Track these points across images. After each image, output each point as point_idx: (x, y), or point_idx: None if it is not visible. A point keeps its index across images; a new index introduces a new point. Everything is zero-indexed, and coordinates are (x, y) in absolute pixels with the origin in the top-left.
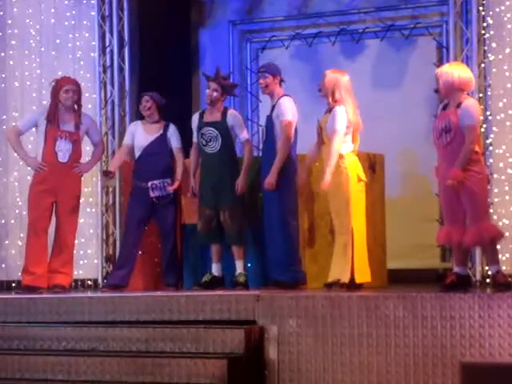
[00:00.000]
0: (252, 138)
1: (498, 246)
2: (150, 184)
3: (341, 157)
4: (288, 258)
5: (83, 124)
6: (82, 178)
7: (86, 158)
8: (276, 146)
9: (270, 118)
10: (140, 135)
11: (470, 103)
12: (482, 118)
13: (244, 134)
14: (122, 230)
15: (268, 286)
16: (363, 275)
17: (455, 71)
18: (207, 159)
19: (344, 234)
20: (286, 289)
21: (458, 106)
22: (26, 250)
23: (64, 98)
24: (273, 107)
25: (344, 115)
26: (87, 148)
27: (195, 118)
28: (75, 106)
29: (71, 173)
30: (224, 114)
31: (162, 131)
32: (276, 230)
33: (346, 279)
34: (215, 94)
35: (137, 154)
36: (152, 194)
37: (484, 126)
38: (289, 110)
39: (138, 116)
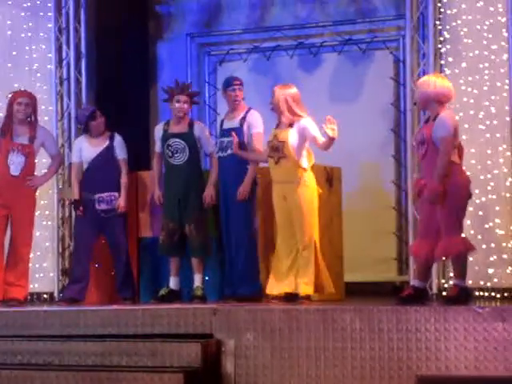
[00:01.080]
0: None
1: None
2: (96, 197)
3: (304, 170)
4: (252, 270)
5: (38, 137)
6: (38, 191)
7: (43, 170)
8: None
9: (240, 130)
10: (86, 149)
11: (445, 115)
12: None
13: (210, 147)
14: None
15: (231, 300)
16: (330, 286)
17: (431, 83)
18: (173, 171)
19: (308, 247)
20: (249, 301)
21: (435, 118)
22: None
23: (16, 110)
24: (242, 119)
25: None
26: (43, 160)
27: (159, 128)
28: (30, 119)
29: (25, 186)
30: (191, 125)
31: (107, 142)
32: (241, 242)
33: (310, 291)
34: (186, 106)
35: (85, 166)
36: (98, 207)
37: None
38: (260, 122)
39: (84, 130)
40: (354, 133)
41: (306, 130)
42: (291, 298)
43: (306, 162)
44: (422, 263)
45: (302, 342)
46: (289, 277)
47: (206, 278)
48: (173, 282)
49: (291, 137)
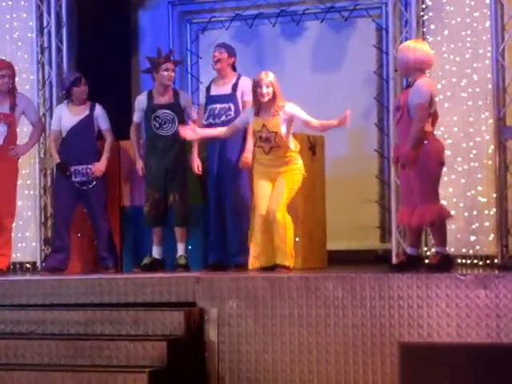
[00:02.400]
0: None
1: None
2: (73, 169)
3: (295, 153)
4: (245, 240)
5: (18, 105)
6: (20, 160)
7: (24, 139)
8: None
9: (232, 96)
10: (66, 117)
11: (422, 82)
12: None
13: (194, 114)
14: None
15: (227, 268)
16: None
17: (411, 49)
18: (159, 141)
19: (283, 221)
20: (238, 270)
21: (410, 85)
22: None
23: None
24: (234, 85)
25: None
26: (24, 129)
27: (142, 99)
28: (9, 88)
29: (8, 155)
30: (176, 95)
31: (88, 112)
32: (237, 209)
33: (289, 263)
34: (173, 73)
35: (63, 135)
36: (75, 179)
37: None
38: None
39: (65, 97)
40: (337, 101)
41: (295, 116)
42: (270, 268)
43: (293, 144)
44: (410, 230)
45: (285, 309)
46: (265, 251)
47: (189, 247)
48: (156, 251)
49: (281, 126)
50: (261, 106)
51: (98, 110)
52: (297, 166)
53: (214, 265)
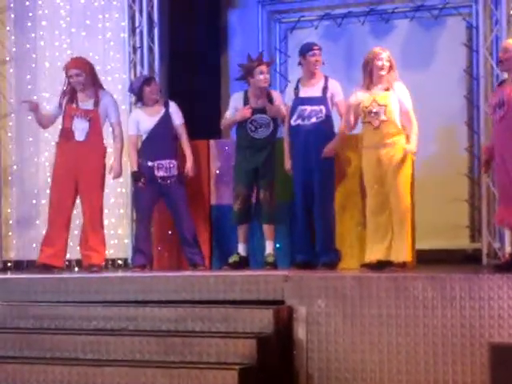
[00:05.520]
0: None
1: None
2: (156, 164)
3: (403, 134)
4: (332, 237)
5: (102, 102)
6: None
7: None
8: (329, 123)
9: (323, 99)
10: (144, 120)
11: None
12: None
13: (285, 112)
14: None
15: (317, 268)
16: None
17: None
18: (253, 144)
19: (404, 211)
20: (331, 269)
21: None
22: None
23: (71, 82)
24: (324, 88)
25: None
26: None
27: (239, 99)
28: (89, 85)
29: (92, 151)
30: (269, 96)
31: (163, 111)
32: (324, 209)
33: (408, 258)
34: (268, 76)
35: (144, 137)
36: (157, 174)
37: None
38: (340, 89)
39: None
40: (427, 100)
41: (400, 100)
42: (383, 265)
43: (401, 126)
44: None
45: (374, 309)
46: (382, 243)
47: (278, 246)
48: (242, 249)
49: (392, 101)
50: (372, 80)
51: (173, 107)
52: (403, 146)
53: (301, 263)
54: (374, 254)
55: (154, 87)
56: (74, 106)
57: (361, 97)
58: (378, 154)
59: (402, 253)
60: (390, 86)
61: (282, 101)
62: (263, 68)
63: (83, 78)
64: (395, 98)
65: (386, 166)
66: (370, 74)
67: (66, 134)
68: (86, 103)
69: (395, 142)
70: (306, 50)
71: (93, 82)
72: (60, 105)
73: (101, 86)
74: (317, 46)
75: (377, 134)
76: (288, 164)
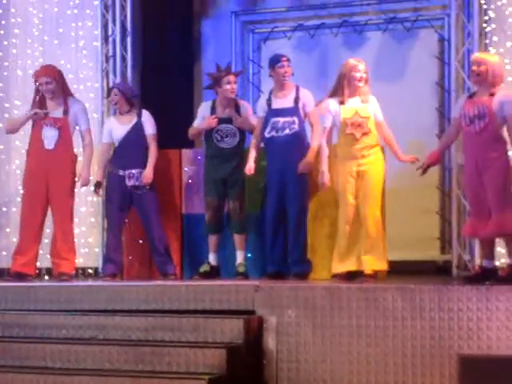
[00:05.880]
0: None
1: None
2: (126, 172)
3: (380, 146)
4: (305, 248)
5: (71, 109)
6: (77, 164)
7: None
8: (303, 134)
9: (295, 109)
10: (116, 128)
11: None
12: None
13: (254, 123)
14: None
15: (289, 278)
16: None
17: (502, 62)
18: (220, 153)
19: (377, 222)
20: (302, 279)
21: (492, 94)
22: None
23: (40, 90)
24: (296, 98)
25: None
26: None
27: (206, 108)
28: (59, 92)
29: (62, 159)
30: (237, 107)
31: (136, 119)
32: (297, 220)
33: (383, 267)
34: (236, 85)
35: (115, 145)
36: (128, 183)
37: None
38: (312, 99)
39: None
40: (399, 112)
41: (376, 112)
42: (354, 275)
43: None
44: (484, 241)
45: (344, 319)
46: (352, 254)
47: (249, 255)
48: (212, 258)
49: (372, 113)
50: (351, 93)
51: (145, 116)
52: (380, 158)
53: (273, 274)
54: (344, 265)
55: (113, 97)
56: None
57: (336, 107)
58: (355, 165)
59: (376, 262)
60: (366, 98)
61: (251, 112)
62: (230, 78)
63: (53, 85)
64: (372, 110)
65: (362, 177)
66: (347, 85)
67: (36, 142)
68: (55, 111)
69: (372, 154)
70: (274, 61)
71: (63, 90)
72: (30, 112)
73: (70, 94)
74: (285, 58)
75: (357, 147)
76: (246, 167)
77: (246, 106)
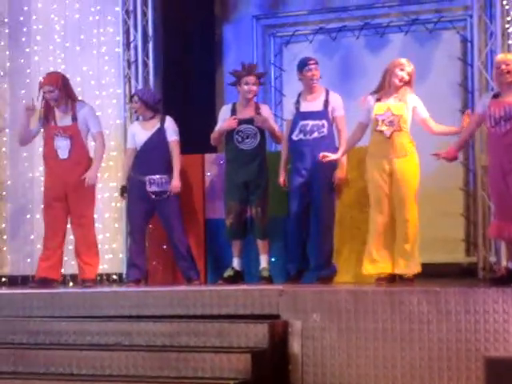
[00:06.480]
0: None
1: None
2: (147, 178)
3: (413, 145)
4: (331, 252)
5: (79, 115)
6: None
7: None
8: (331, 138)
9: (324, 113)
10: (139, 133)
11: None
12: None
13: (276, 127)
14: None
15: (313, 282)
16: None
17: None
18: (241, 155)
19: (413, 223)
20: (327, 283)
21: None
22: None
23: (46, 98)
24: (326, 102)
25: None
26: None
27: (227, 111)
28: (64, 100)
29: (78, 166)
30: (257, 108)
31: (158, 125)
32: (325, 224)
33: (418, 270)
34: (255, 87)
35: (138, 149)
36: (149, 189)
37: None
38: (342, 104)
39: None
40: None
41: (416, 110)
42: (394, 279)
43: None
44: (509, 244)
45: (369, 323)
46: (386, 256)
47: (273, 260)
48: (236, 263)
49: (406, 111)
50: (388, 91)
51: (168, 122)
52: (414, 158)
53: (294, 274)
54: (376, 267)
55: (133, 104)
56: (53, 124)
57: (371, 103)
58: (387, 164)
59: (416, 266)
60: (403, 97)
61: (271, 114)
62: (249, 79)
63: (55, 94)
64: (409, 110)
65: (395, 178)
66: (388, 82)
67: (49, 153)
68: (63, 120)
69: (407, 154)
70: (302, 65)
71: (67, 96)
72: (40, 123)
73: (76, 99)
74: (312, 61)
75: (388, 144)
76: (282, 178)
77: (265, 108)
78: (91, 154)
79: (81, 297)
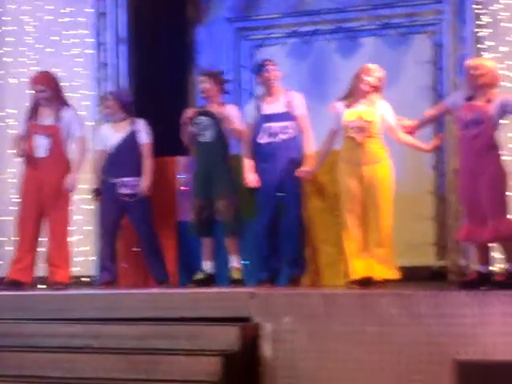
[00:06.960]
0: None
1: None
2: (119, 181)
3: (386, 151)
4: (301, 251)
5: (63, 117)
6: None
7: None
8: (299, 138)
9: (288, 115)
10: (110, 136)
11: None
12: None
13: (239, 126)
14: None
15: (285, 283)
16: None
17: (495, 66)
18: (201, 148)
19: (386, 227)
20: (296, 282)
21: (489, 100)
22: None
23: (35, 96)
24: (288, 103)
25: None
26: None
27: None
28: (52, 100)
29: (55, 167)
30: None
31: (130, 128)
32: (294, 227)
33: (394, 275)
34: (205, 86)
35: (108, 152)
36: (120, 191)
37: None
38: (304, 103)
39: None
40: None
41: (384, 117)
42: (368, 282)
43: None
44: (480, 246)
45: (340, 326)
46: (363, 260)
47: (245, 262)
48: (207, 266)
49: (377, 117)
50: (356, 97)
51: (139, 125)
52: (387, 164)
53: (266, 280)
54: (356, 272)
55: (107, 104)
56: (34, 122)
57: (341, 110)
58: (359, 170)
59: (390, 272)
60: (372, 103)
61: (236, 114)
62: (200, 78)
63: (47, 94)
64: (379, 115)
65: (368, 184)
66: (356, 89)
67: (28, 150)
68: (47, 119)
69: (379, 160)
70: (259, 68)
71: (57, 98)
72: (29, 116)
73: (65, 102)
74: (269, 62)
75: (360, 151)
76: (249, 178)
77: (230, 107)
78: (70, 157)
79: (51, 299)
